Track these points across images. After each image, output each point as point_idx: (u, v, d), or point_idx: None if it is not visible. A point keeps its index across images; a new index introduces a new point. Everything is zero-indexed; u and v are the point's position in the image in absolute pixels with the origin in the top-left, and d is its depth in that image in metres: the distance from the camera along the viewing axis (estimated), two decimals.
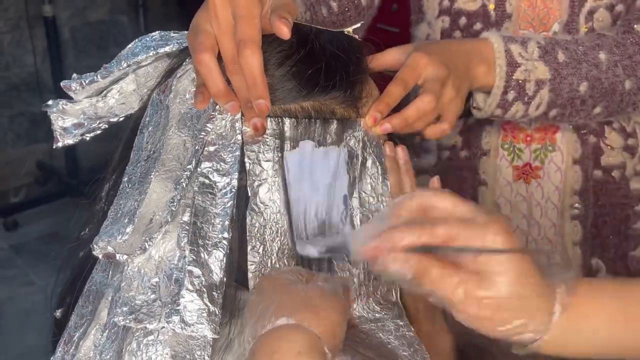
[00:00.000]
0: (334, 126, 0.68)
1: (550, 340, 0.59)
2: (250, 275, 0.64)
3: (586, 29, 0.97)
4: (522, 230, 1.06)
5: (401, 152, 0.73)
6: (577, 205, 1.03)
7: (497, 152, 1.04)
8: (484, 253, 0.55)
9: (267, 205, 0.65)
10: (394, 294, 0.69)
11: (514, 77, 0.86)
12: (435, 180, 0.76)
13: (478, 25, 1.00)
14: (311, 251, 0.64)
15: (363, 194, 0.69)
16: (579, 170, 1.02)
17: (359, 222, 0.68)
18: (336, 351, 0.58)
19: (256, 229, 0.65)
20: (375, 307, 0.68)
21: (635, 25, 0.91)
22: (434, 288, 0.57)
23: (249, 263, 0.64)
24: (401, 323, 0.68)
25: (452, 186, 1.06)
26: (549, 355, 0.61)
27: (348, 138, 0.69)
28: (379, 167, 0.70)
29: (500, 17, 0.99)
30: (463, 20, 1.01)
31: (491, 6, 0.99)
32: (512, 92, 0.87)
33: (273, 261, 0.65)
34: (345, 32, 0.76)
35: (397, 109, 0.74)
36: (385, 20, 2.20)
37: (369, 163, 0.70)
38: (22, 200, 3.00)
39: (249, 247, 0.64)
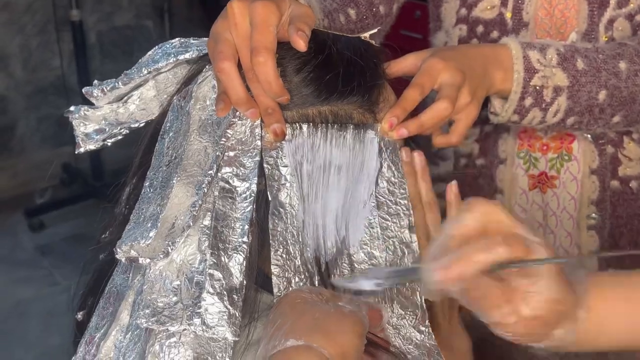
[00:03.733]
0: (350, 131, 0.69)
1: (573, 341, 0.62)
2: (274, 279, 0.65)
3: (606, 39, 0.96)
4: None
5: (418, 157, 0.73)
6: (594, 215, 1.02)
7: (513, 161, 1.04)
8: (543, 262, 0.57)
9: (286, 209, 0.66)
10: (418, 296, 0.68)
11: (531, 83, 0.85)
12: (453, 186, 0.76)
13: (495, 34, 1.00)
14: (368, 285, 0.64)
15: (380, 197, 0.69)
16: (596, 181, 1.02)
17: (378, 226, 0.68)
18: None
19: (278, 233, 0.65)
20: (400, 310, 0.68)
21: None
22: (486, 310, 0.59)
23: (272, 267, 0.65)
24: (423, 329, 0.67)
25: (469, 194, 1.07)
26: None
27: (364, 143, 0.70)
28: (395, 172, 0.70)
29: (517, 25, 0.99)
30: (480, 29, 1.01)
31: (508, 14, 0.99)
32: (529, 98, 0.86)
33: (297, 264, 0.66)
34: (362, 38, 0.77)
35: (413, 113, 0.74)
36: (409, 26, 2.21)
37: (384, 168, 0.70)
38: (48, 201, 3.03)
39: (272, 251, 0.65)
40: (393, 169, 0.70)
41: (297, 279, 0.65)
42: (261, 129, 0.67)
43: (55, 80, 3.10)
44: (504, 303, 0.58)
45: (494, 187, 1.06)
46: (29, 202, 3.00)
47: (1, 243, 2.85)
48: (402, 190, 0.70)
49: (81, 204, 2.96)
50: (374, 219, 0.68)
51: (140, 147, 0.75)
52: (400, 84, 0.78)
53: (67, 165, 3.10)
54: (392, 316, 0.67)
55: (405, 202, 0.69)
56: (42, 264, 2.74)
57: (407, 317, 0.68)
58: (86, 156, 3.08)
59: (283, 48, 0.67)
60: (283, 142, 0.67)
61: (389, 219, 0.69)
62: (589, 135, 1.01)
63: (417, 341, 0.67)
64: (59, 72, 3.08)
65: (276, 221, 0.66)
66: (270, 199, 0.66)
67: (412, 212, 0.70)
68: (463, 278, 0.57)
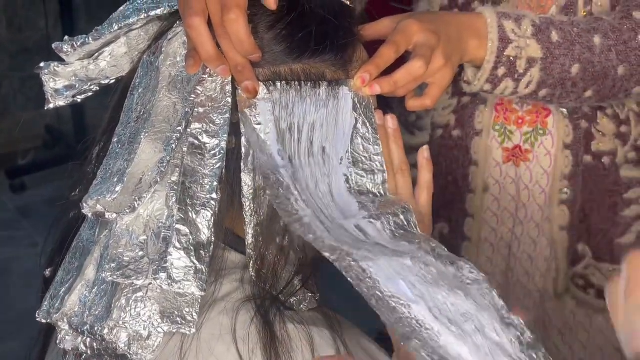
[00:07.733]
0: (323, 89, 0.69)
1: None
2: (249, 239, 0.66)
3: (585, 14, 0.96)
4: (510, 213, 1.06)
5: (390, 120, 0.73)
6: (566, 190, 1.03)
7: (488, 133, 1.04)
8: None
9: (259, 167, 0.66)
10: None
11: (505, 53, 0.86)
12: (425, 150, 0.75)
13: (476, 4, 0.99)
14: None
15: (355, 154, 0.69)
16: (570, 155, 1.02)
17: (355, 183, 0.68)
18: None
19: (252, 191, 0.66)
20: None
21: (633, 12, 0.90)
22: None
23: (246, 225, 0.66)
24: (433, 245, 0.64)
25: (444, 164, 1.08)
26: None
27: (338, 100, 0.70)
28: (369, 128, 0.70)
29: None
30: None
31: None
32: (502, 68, 0.87)
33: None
34: None
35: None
36: None
37: (359, 124, 0.70)
38: (30, 163, 3.02)
39: (246, 209, 0.66)
40: (367, 124, 0.70)
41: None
42: (232, 86, 0.67)
43: (41, 40, 3.06)
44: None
45: (469, 159, 1.06)
46: (11, 163, 2.99)
47: None
48: (375, 147, 0.70)
49: (63, 166, 2.94)
50: (351, 175, 0.68)
51: (110, 104, 0.74)
52: (376, 49, 0.78)
53: (50, 127, 3.08)
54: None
55: (379, 158, 0.69)
56: (23, 225, 2.73)
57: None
58: (69, 118, 3.07)
59: (255, 4, 0.67)
60: (256, 100, 0.66)
61: (365, 175, 0.69)
62: (564, 110, 1.01)
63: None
64: (44, 32, 3.05)
65: (249, 179, 0.66)
66: (243, 156, 0.66)
67: (385, 169, 0.69)
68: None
